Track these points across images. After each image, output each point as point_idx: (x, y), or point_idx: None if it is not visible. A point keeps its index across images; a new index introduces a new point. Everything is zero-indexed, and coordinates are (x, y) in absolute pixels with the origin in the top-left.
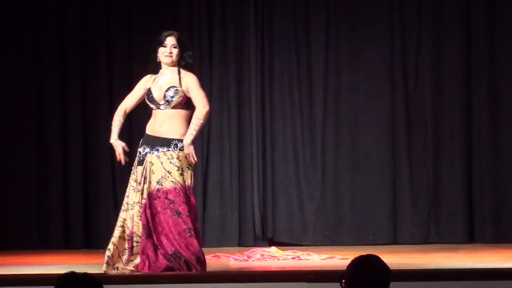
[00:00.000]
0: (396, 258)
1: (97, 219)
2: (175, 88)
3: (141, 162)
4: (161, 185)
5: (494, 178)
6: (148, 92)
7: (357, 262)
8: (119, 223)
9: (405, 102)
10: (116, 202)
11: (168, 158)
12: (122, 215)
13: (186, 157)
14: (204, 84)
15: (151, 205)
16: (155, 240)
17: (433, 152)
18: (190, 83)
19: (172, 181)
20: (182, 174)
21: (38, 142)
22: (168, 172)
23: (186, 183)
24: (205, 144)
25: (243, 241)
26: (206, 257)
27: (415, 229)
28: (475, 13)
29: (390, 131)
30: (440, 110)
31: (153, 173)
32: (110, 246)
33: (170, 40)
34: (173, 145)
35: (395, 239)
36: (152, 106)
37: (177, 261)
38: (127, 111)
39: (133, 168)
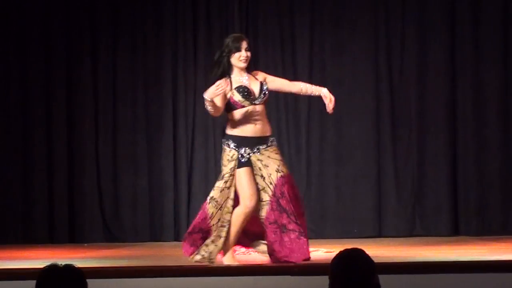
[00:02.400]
0: (380, 251)
1: (82, 214)
2: (265, 84)
3: (245, 163)
4: (282, 171)
5: (478, 171)
6: (242, 88)
7: (342, 256)
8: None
9: (389, 96)
10: (100, 197)
11: (272, 152)
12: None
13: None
14: (189, 80)
15: (282, 193)
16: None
17: (417, 146)
18: (268, 76)
19: (281, 174)
20: (284, 165)
21: (23, 137)
22: (280, 160)
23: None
24: (190, 139)
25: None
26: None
27: (399, 222)
28: (459, 7)
29: (375, 124)
30: (424, 104)
31: (268, 167)
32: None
33: (244, 44)
34: (269, 142)
35: (379, 232)
36: (245, 103)
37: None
38: (220, 107)
39: (226, 173)
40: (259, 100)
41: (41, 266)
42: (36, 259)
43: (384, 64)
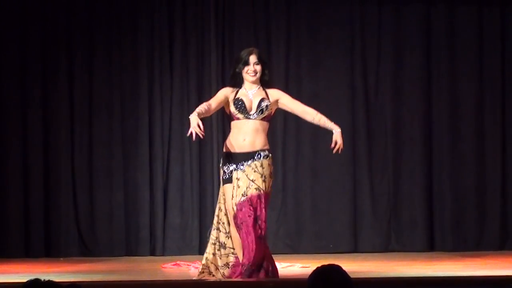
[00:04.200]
0: (356, 266)
1: (58, 228)
2: (267, 101)
3: (228, 180)
4: (246, 195)
5: (454, 186)
6: (238, 101)
7: (319, 272)
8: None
9: (365, 110)
10: (76, 211)
11: (252, 168)
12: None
13: (269, 165)
14: (165, 93)
15: (235, 216)
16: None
17: (393, 160)
18: (283, 97)
19: (256, 188)
20: (264, 181)
21: None
22: (252, 181)
23: (267, 190)
24: (166, 153)
25: (204, 249)
26: (166, 265)
27: (375, 237)
28: (435, 24)
29: (351, 139)
30: (400, 118)
31: (239, 187)
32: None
33: (253, 58)
34: (256, 155)
35: (355, 247)
36: (239, 115)
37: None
38: (212, 105)
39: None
40: (255, 115)
41: (17, 281)
42: (12, 273)
43: (360, 79)
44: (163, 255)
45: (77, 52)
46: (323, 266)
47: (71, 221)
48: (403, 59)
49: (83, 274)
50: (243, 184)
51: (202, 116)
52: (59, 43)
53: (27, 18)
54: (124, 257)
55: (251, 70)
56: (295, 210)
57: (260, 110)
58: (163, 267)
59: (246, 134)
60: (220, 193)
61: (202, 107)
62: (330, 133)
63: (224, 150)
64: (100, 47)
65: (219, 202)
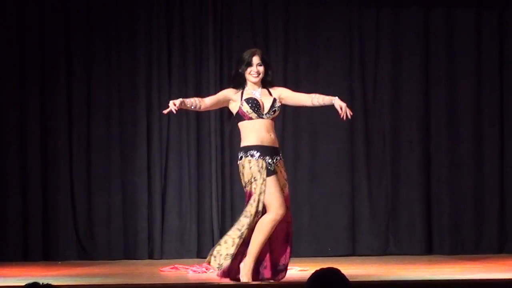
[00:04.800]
0: (354, 270)
1: (56, 231)
2: (278, 101)
3: (273, 172)
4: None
5: (452, 189)
6: (252, 100)
7: (318, 275)
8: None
9: (363, 114)
10: (74, 214)
11: (282, 167)
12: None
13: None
14: (163, 97)
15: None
16: None
17: (391, 164)
18: (283, 91)
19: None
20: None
21: None
22: (286, 180)
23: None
24: (164, 156)
25: (202, 252)
26: (164, 268)
27: (373, 241)
28: (433, 26)
29: (349, 143)
30: (398, 122)
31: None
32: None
33: (256, 60)
34: (280, 154)
35: (353, 251)
36: (252, 115)
37: None
38: (206, 102)
39: (256, 182)
40: (268, 115)
41: (16, 284)
42: (10, 277)
43: (358, 82)
44: (161, 258)
45: (75, 56)
46: (322, 269)
47: (69, 224)
48: (401, 62)
49: (81, 277)
50: (281, 179)
51: (186, 106)
52: (57, 48)
53: (25, 22)
54: (122, 260)
55: (254, 71)
56: (293, 213)
57: (273, 110)
58: (161, 271)
59: (269, 131)
60: (258, 187)
61: (191, 99)
62: (328, 137)
63: (253, 143)
64: (98, 51)
65: (257, 198)
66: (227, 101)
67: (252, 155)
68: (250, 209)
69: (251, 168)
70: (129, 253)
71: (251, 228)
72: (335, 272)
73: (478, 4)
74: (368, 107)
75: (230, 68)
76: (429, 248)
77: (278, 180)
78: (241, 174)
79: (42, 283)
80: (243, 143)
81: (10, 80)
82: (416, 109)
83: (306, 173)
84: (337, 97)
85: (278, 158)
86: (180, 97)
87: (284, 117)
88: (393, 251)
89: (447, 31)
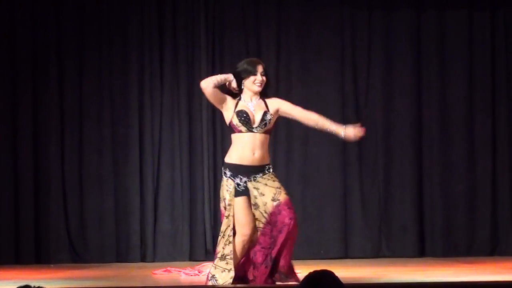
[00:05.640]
0: (347, 272)
1: (48, 234)
2: (270, 114)
3: (242, 192)
4: (278, 199)
5: (444, 192)
6: (242, 113)
7: (311, 278)
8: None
9: (355, 116)
10: (66, 217)
11: (269, 179)
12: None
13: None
14: (155, 99)
15: (275, 222)
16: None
17: (383, 166)
18: (283, 105)
19: (285, 193)
20: (281, 191)
21: None
22: (277, 188)
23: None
24: (156, 158)
25: (194, 255)
26: (156, 271)
27: (366, 243)
28: (425, 30)
29: (341, 145)
30: (390, 124)
31: (264, 195)
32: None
33: (260, 69)
34: (266, 170)
35: (346, 253)
36: (242, 128)
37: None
38: (213, 87)
39: (225, 201)
40: (258, 129)
41: (8, 287)
42: (2, 280)
43: (350, 85)
44: (153, 261)
45: (67, 58)
46: (315, 271)
47: (61, 227)
48: (393, 65)
49: (74, 280)
50: (268, 191)
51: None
52: (49, 49)
53: (16, 24)
54: (115, 263)
55: (259, 80)
56: None
57: (264, 123)
58: (153, 273)
59: (255, 148)
60: (228, 206)
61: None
62: (320, 139)
63: (230, 161)
64: (90, 53)
65: (228, 215)
66: (223, 104)
67: (224, 173)
68: (222, 227)
69: (222, 186)
70: (121, 256)
71: (230, 242)
72: (329, 274)
73: (469, 6)
74: (360, 110)
75: (222, 70)
76: (421, 250)
77: (249, 200)
78: None
79: (34, 286)
80: (225, 158)
81: (1, 83)
82: (408, 111)
83: (298, 175)
84: (344, 127)
85: (260, 175)
86: (172, 99)
87: (276, 119)
88: (386, 254)
89: (439, 33)
